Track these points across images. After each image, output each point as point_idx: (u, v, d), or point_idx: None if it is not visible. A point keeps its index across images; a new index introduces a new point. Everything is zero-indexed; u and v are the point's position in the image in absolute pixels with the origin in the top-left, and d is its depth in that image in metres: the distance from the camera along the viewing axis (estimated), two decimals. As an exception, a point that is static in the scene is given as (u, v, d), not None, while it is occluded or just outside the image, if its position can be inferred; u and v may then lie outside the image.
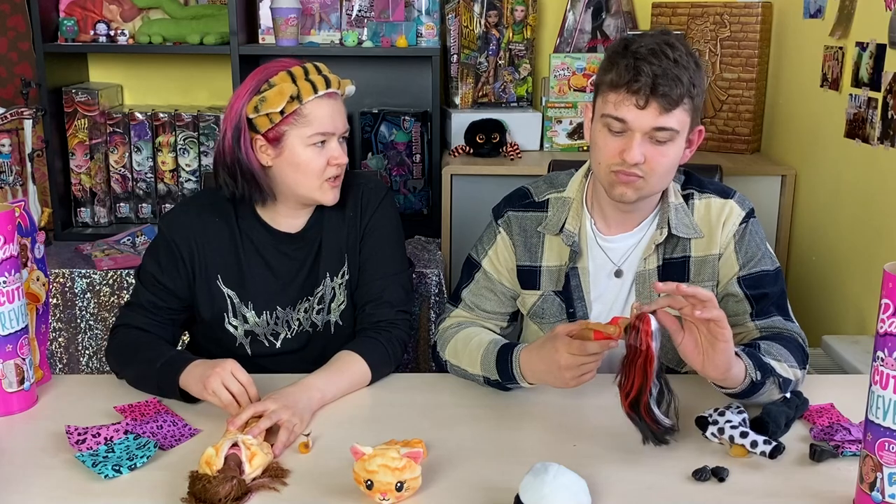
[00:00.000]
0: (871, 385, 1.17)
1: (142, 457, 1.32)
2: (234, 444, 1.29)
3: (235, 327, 1.74)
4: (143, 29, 2.84)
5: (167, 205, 2.93)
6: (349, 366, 1.61)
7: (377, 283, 1.75)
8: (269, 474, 1.30)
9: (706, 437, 1.40)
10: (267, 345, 1.76)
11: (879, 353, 1.15)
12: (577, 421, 1.49)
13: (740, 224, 1.63)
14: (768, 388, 1.44)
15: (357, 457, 1.23)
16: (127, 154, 2.91)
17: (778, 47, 2.92)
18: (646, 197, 1.57)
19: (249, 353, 1.76)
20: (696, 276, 1.64)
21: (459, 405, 1.56)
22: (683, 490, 1.28)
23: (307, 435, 1.40)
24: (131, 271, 2.52)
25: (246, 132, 1.65)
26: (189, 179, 2.93)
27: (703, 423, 1.40)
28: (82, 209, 2.93)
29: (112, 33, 2.83)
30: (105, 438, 1.39)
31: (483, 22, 3.00)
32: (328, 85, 1.64)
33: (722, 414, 1.40)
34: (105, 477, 1.29)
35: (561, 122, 3.00)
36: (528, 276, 1.70)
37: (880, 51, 2.24)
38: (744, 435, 1.36)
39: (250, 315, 1.74)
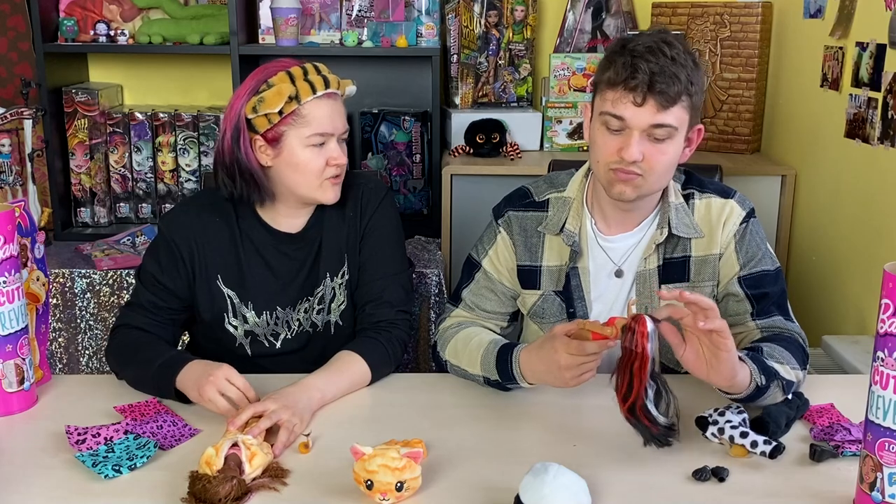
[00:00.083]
0: (871, 385, 1.17)
1: (142, 457, 1.32)
2: (234, 444, 1.29)
3: (235, 327, 1.74)
4: (143, 29, 2.84)
5: (167, 205, 2.93)
6: (349, 366, 1.61)
7: (377, 283, 1.75)
8: (269, 474, 1.30)
9: (706, 437, 1.39)
10: (267, 345, 1.76)
11: (879, 353, 1.15)
12: (577, 421, 1.49)
13: (741, 224, 1.63)
14: (772, 392, 1.44)
15: (357, 457, 1.23)
16: (127, 154, 2.91)
17: (778, 47, 2.92)
18: (645, 195, 1.57)
19: (249, 353, 1.76)
20: (696, 275, 1.64)
21: (459, 405, 1.56)
22: (683, 490, 1.28)
23: (307, 435, 1.40)
24: (131, 271, 2.52)
25: (245, 132, 1.65)
26: (189, 179, 2.93)
27: (703, 423, 1.40)
28: (82, 209, 2.93)
29: (112, 33, 2.83)
30: (105, 438, 1.39)
31: (483, 22, 3.00)
32: (327, 85, 1.64)
33: (722, 414, 1.40)
34: (105, 477, 1.29)
35: (561, 122, 3.00)
36: (529, 276, 1.70)
37: (880, 51, 2.24)
38: (744, 435, 1.36)
39: (250, 315, 1.74)
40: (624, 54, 1.48)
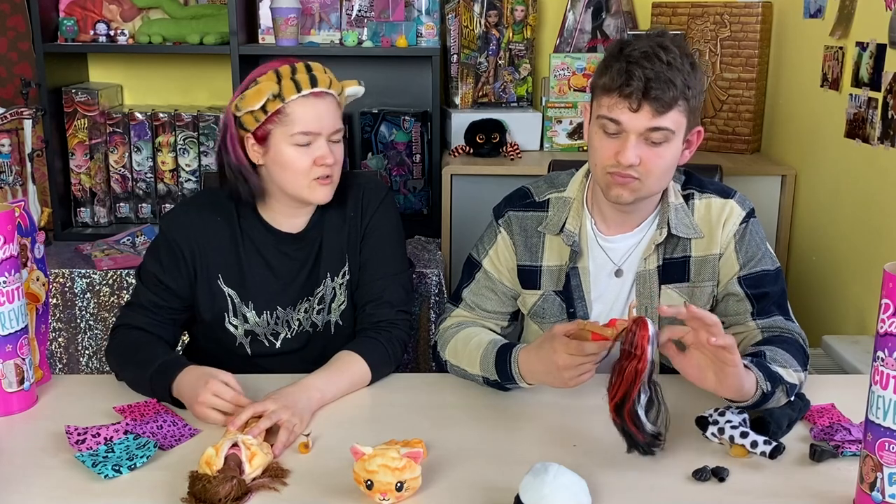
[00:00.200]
0: (871, 385, 1.17)
1: (142, 457, 1.32)
2: (234, 444, 1.29)
3: (236, 327, 1.74)
4: (142, 29, 2.84)
5: (167, 205, 2.93)
6: (349, 366, 1.61)
7: (377, 283, 1.75)
8: (269, 474, 1.30)
9: (706, 437, 1.40)
10: (267, 345, 1.76)
11: (879, 353, 1.15)
12: (577, 421, 1.49)
13: (740, 224, 1.63)
14: (777, 397, 1.44)
15: (357, 457, 1.23)
16: (127, 154, 2.91)
17: (778, 47, 2.92)
18: (643, 198, 1.57)
19: (249, 352, 1.76)
20: (696, 275, 1.64)
21: (459, 405, 1.56)
22: (683, 490, 1.28)
23: (307, 435, 1.40)
24: (131, 271, 2.52)
25: (232, 130, 1.66)
26: (189, 179, 2.93)
27: (703, 423, 1.40)
28: (82, 209, 2.93)
29: (112, 33, 2.83)
30: (105, 438, 1.39)
31: (483, 22, 3.00)
32: (314, 84, 1.62)
33: (722, 414, 1.40)
34: (105, 477, 1.28)
35: (561, 122, 3.00)
36: (529, 276, 1.70)
37: (880, 51, 2.24)
38: (744, 435, 1.36)
39: (250, 315, 1.74)
40: (620, 59, 1.48)
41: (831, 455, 1.35)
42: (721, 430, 1.38)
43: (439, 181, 2.80)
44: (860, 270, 2.38)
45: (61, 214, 2.87)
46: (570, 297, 1.67)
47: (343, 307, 1.76)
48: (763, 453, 1.34)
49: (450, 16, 2.98)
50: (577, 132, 3.00)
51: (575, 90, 3.00)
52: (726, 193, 1.66)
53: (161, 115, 2.88)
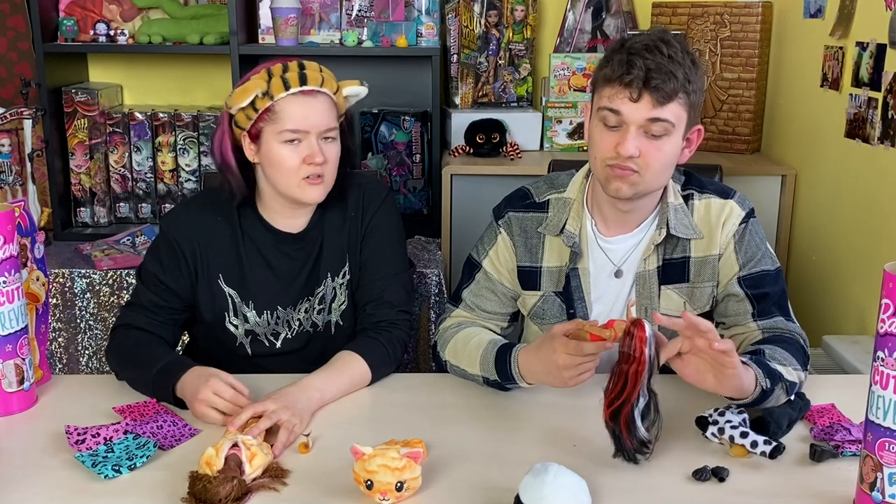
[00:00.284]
0: (871, 385, 1.17)
1: (141, 457, 1.32)
2: (235, 445, 1.29)
3: (236, 327, 1.74)
4: (142, 29, 2.84)
5: (167, 205, 2.93)
6: (349, 366, 1.61)
7: (378, 283, 1.75)
8: (269, 474, 1.30)
9: (706, 437, 1.40)
10: (267, 344, 1.76)
11: (879, 353, 1.15)
12: (577, 421, 1.49)
13: (740, 224, 1.63)
14: (777, 394, 1.44)
15: (357, 457, 1.23)
16: (127, 154, 2.91)
17: (778, 47, 2.92)
18: (642, 194, 1.57)
19: (250, 352, 1.76)
20: (696, 276, 1.64)
21: (459, 405, 1.56)
22: (683, 490, 1.28)
23: (307, 435, 1.40)
24: (131, 271, 2.52)
25: (223, 127, 1.68)
26: (189, 179, 2.93)
27: (703, 423, 1.40)
28: (82, 209, 2.93)
29: (112, 33, 2.83)
30: (105, 438, 1.39)
31: (483, 22, 3.00)
32: (303, 82, 1.62)
33: (722, 414, 1.40)
34: (105, 477, 1.28)
35: (561, 122, 3.00)
36: (529, 277, 1.70)
37: (880, 51, 2.24)
38: (744, 435, 1.36)
39: (251, 314, 1.74)
40: (621, 51, 1.49)
41: (831, 455, 1.35)
42: (721, 430, 1.38)
43: (439, 181, 2.80)
44: (860, 270, 2.38)
45: (61, 214, 2.87)
46: (570, 298, 1.67)
47: (343, 307, 1.76)
48: (763, 453, 1.34)
49: (450, 16, 2.98)
50: (577, 132, 3.00)
51: (575, 90, 3.00)
52: (726, 193, 1.66)
53: (161, 115, 2.88)
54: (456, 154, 2.89)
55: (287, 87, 1.60)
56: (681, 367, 1.36)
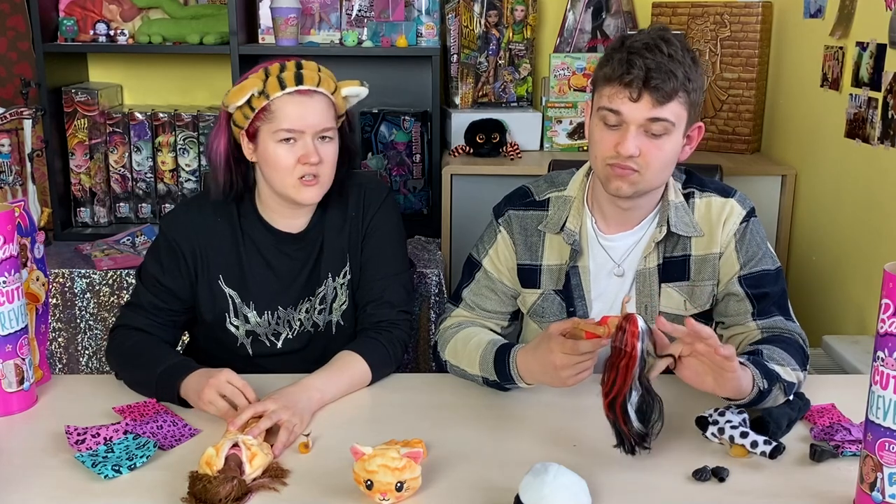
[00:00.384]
0: (871, 385, 1.17)
1: (141, 457, 1.32)
2: (235, 445, 1.29)
3: (237, 327, 1.74)
4: (142, 29, 2.84)
5: (167, 205, 2.93)
6: (349, 366, 1.61)
7: (378, 283, 1.75)
8: (269, 474, 1.30)
9: (706, 437, 1.40)
10: (268, 345, 1.76)
11: (879, 353, 1.15)
12: (577, 421, 1.49)
13: (741, 223, 1.63)
14: (774, 394, 1.44)
15: (357, 457, 1.23)
16: (127, 154, 2.91)
17: (778, 47, 2.92)
18: (642, 192, 1.57)
19: (250, 353, 1.76)
20: (696, 274, 1.64)
21: (459, 405, 1.56)
22: (683, 490, 1.28)
23: (307, 435, 1.40)
24: (131, 271, 2.52)
25: (221, 125, 1.68)
26: (189, 179, 2.93)
27: (703, 423, 1.40)
28: (82, 209, 2.93)
29: (112, 33, 2.83)
30: (105, 438, 1.39)
31: (483, 22, 3.00)
32: (299, 82, 1.62)
33: (722, 414, 1.40)
34: (105, 477, 1.28)
35: (561, 121, 3.00)
36: (529, 275, 1.70)
37: (880, 50, 2.24)
38: (744, 435, 1.36)
39: (251, 315, 1.74)
40: (621, 51, 1.49)
41: (831, 455, 1.35)
42: (721, 430, 1.38)
43: (439, 181, 2.80)
44: (860, 270, 2.38)
45: (61, 214, 2.87)
46: (570, 296, 1.67)
47: (344, 307, 1.76)
48: (763, 453, 1.34)
49: (450, 16, 2.98)
50: (577, 132, 3.00)
51: (575, 90, 3.00)
52: (727, 192, 1.66)
53: (161, 115, 2.88)
54: (456, 154, 2.89)
55: (283, 87, 1.60)
56: (680, 369, 1.37)
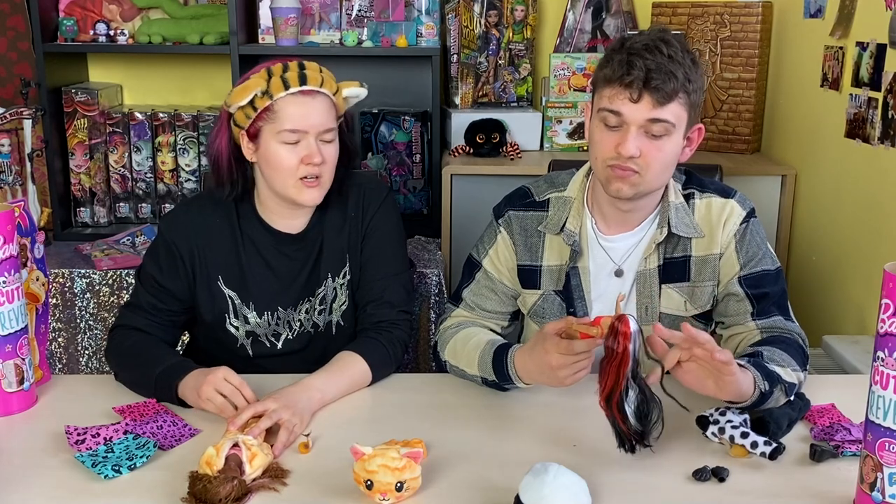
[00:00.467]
0: (871, 385, 1.17)
1: (141, 457, 1.32)
2: (235, 445, 1.29)
3: (237, 328, 1.74)
4: (142, 29, 2.84)
5: (167, 205, 2.93)
6: (349, 366, 1.61)
7: (378, 283, 1.75)
8: (269, 474, 1.30)
9: (706, 436, 1.40)
10: (268, 345, 1.76)
11: (880, 354, 1.15)
12: (577, 421, 1.49)
13: (741, 224, 1.63)
14: (775, 396, 1.44)
15: (357, 457, 1.23)
16: (126, 154, 2.91)
17: (778, 47, 2.92)
18: (643, 194, 1.57)
19: (250, 353, 1.76)
20: (696, 275, 1.64)
21: (459, 405, 1.56)
22: (683, 490, 1.28)
23: (307, 435, 1.40)
24: (131, 271, 2.52)
25: (222, 124, 1.68)
26: (189, 179, 2.93)
27: (703, 422, 1.40)
28: (82, 209, 2.93)
29: (112, 33, 2.83)
30: (105, 438, 1.39)
31: (483, 22, 3.00)
32: (303, 82, 1.62)
33: (723, 414, 1.40)
34: (105, 477, 1.28)
35: (561, 121, 3.00)
36: (529, 276, 1.70)
37: (880, 50, 2.24)
38: (744, 435, 1.36)
39: (251, 316, 1.74)
40: (621, 52, 1.49)
41: (831, 455, 1.35)
42: (721, 430, 1.38)
43: (439, 181, 2.80)
44: (860, 270, 2.38)
45: (61, 214, 2.87)
46: (570, 297, 1.67)
47: (344, 307, 1.76)
48: (763, 454, 1.34)
49: (450, 16, 2.98)
50: (577, 132, 3.00)
51: (575, 90, 3.00)
52: (727, 193, 1.66)
53: (161, 115, 2.88)
54: (456, 154, 2.89)
55: (286, 87, 1.60)
56: (681, 374, 1.37)
